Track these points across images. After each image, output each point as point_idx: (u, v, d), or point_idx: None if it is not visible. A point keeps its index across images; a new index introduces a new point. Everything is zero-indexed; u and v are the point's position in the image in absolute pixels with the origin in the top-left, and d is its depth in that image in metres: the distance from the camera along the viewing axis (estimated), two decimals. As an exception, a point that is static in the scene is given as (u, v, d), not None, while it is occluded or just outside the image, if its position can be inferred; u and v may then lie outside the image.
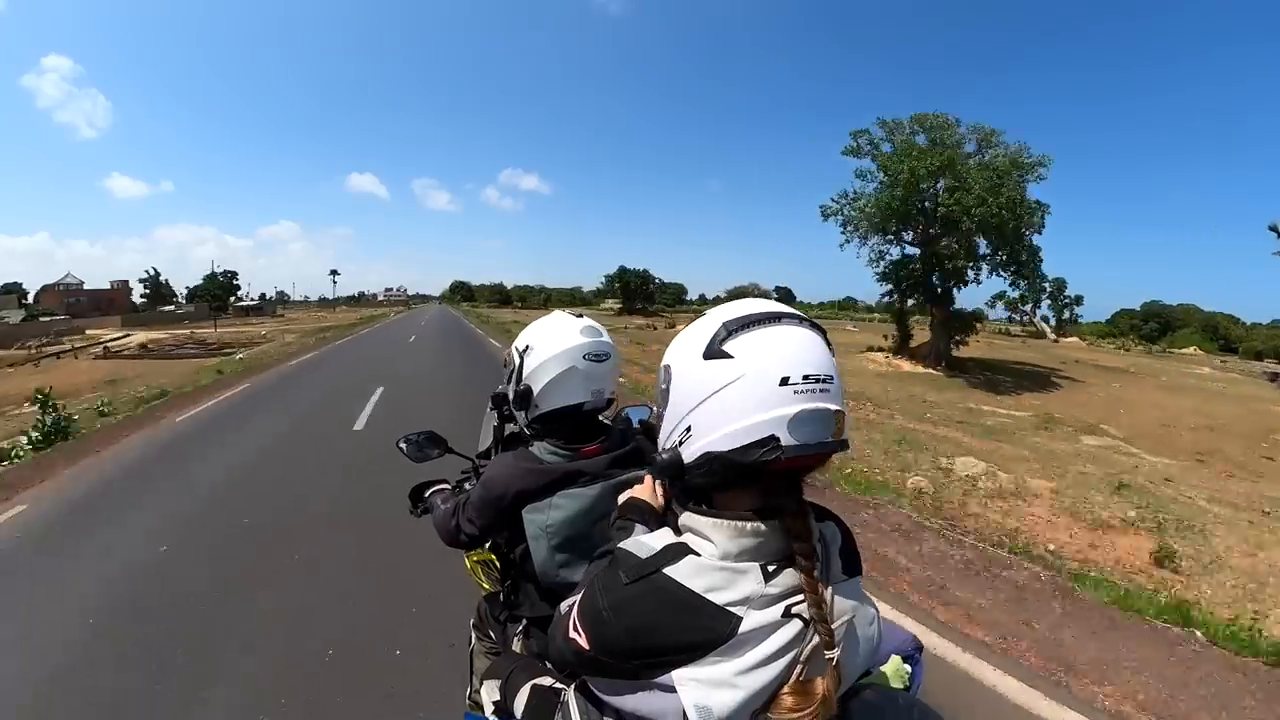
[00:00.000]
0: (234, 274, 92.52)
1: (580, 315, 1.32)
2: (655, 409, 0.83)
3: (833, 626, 0.68)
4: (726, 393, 0.69)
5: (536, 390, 1.26)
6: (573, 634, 0.75)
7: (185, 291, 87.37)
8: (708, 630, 0.66)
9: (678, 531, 0.77)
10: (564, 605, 0.83)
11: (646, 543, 0.75)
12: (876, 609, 0.79)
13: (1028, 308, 59.24)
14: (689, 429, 0.73)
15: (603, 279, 76.35)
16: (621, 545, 0.78)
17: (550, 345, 1.25)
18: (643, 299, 71.48)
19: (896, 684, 1.07)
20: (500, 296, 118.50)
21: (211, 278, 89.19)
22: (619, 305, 71.62)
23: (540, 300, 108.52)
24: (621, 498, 1.00)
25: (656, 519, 0.92)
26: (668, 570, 0.70)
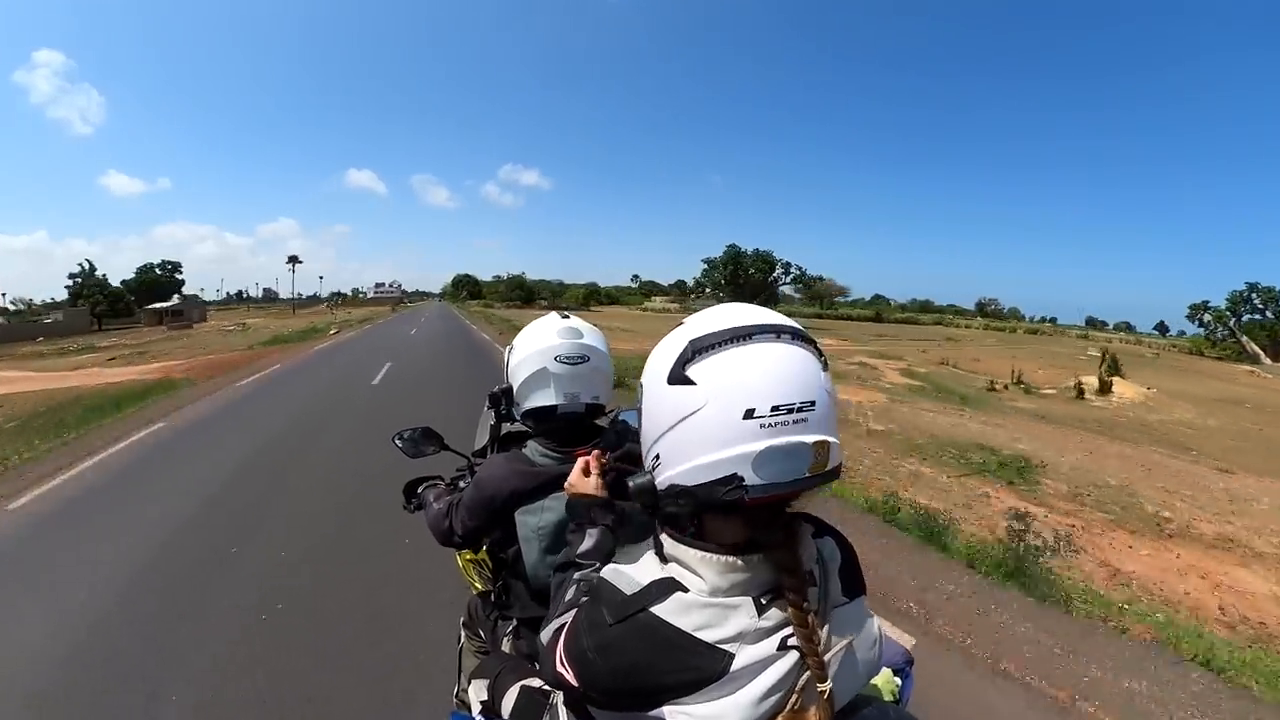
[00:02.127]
0: (176, 266, 78.73)
1: (568, 315, 1.36)
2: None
3: (828, 656, 0.68)
4: (689, 424, 0.67)
5: (515, 388, 1.33)
6: (560, 668, 0.75)
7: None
8: (698, 670, 0.66)
9: (663, 558, 0.76)
10: (546, 634, 0.84)
11: (631, 575, 0.74)
12: (880, 631, 0.79)
13: (1232, 322, 48.02)
14: (658, 457, 0.72)
15: (701, 265, 58.71)
16: (604, 576, 0.77)
17: (527, 345, 1.32)
18: (766, 295, 53.44)
19: (886, 697, 1.11)
20: (521, 293, 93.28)
21: (146, 270, 76.36)
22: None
23: (577, 298, 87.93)
24: (571, 489, 1.02)
25: (603, 509, 0.96)
26: (654, 609, 0.69)
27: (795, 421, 0.65)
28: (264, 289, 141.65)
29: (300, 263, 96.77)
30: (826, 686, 0.67)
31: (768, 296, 54.76)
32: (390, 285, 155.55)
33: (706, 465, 0.66)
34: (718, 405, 0.66)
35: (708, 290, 60.06)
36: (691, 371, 0.68)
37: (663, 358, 0.72)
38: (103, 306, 56.90)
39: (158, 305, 61.44)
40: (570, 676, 0.73)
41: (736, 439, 0.65)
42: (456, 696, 1.60)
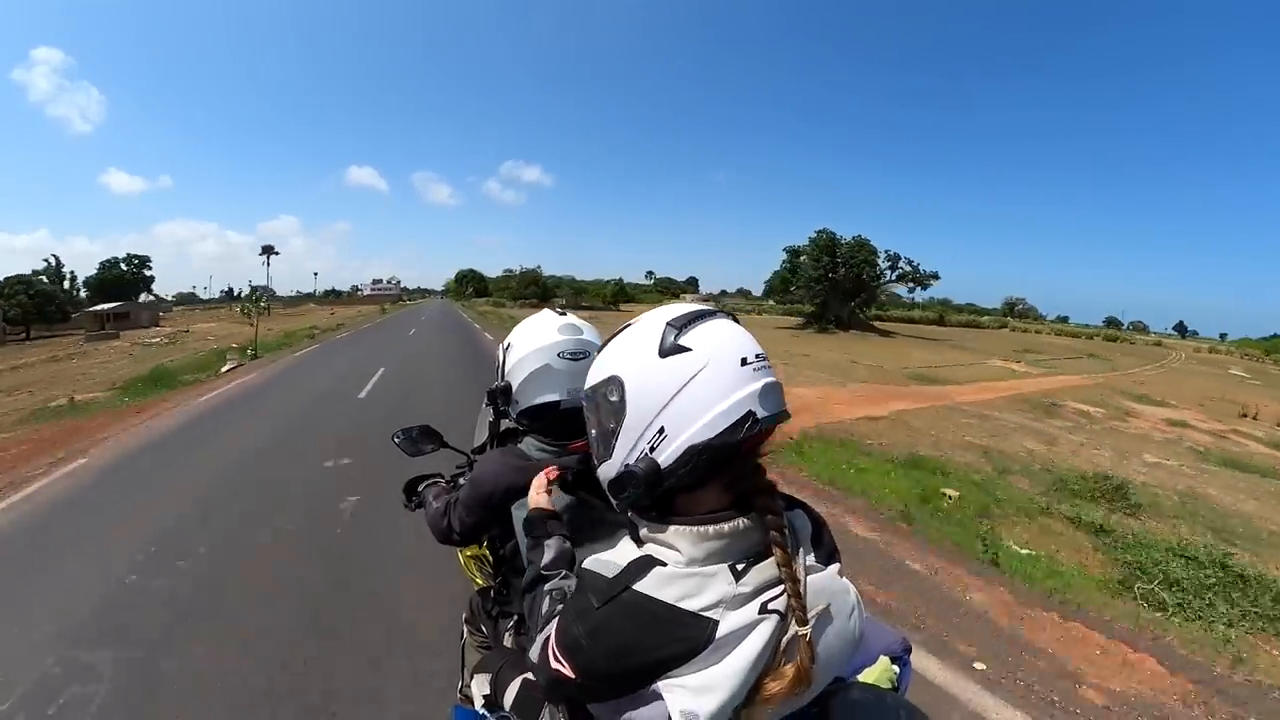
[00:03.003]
0: (144, 260, 70.45)
1: (564, 313, 1.41)
2: (593, 431, 0.85)
3: (810, 613, 0.73)
4: (696, 382, 0.75)
5: (515, 386, 1.36)
6: (555, 664, 0.77)
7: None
8: (686, 640, 0.70)
9: (639, 542, 0.81)
10: (534, 651, 0.84)
11: (610, 560, 0.79)
12: (859, 600, 0.84)
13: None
14: (661, 430, 0.76)
15: (783, 255, 45.60)
16: (585, 566, 0.81)
17: (527, 342, 1.36)
18: (866, 297, 42.08)
19: (884, 685, 1.12)
20: (536, 290, 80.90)
21: (110, 266, 67.19)
22: (808, 311, 42.21)
23: (604, 296, 78.22)
24: (530, 507, 1.07)
25: (557, 520, 1.02)
26: (637, 586, 0.73)
27: (768, 367, 0.80)
28: (256, 287, 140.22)
29: (276, 253, 76.37)
30: (807, 630, 0.72)
31: (867, 298, 42.01)
32: (388, 282, 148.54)
33: (724, 411, 0.75)
34: (718, 361, 0.76)
35: (794, 289, 44.97)
36: (684, 341, 0.77)
37: (638, 344, 0.80)
38: (16, 310, 45.36)
39: (100, 308, 51.18)
40: (567, 669, 0.76)
41: (742, 382, 0.76)
42: (460, 691, 1.63)
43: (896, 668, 1.19)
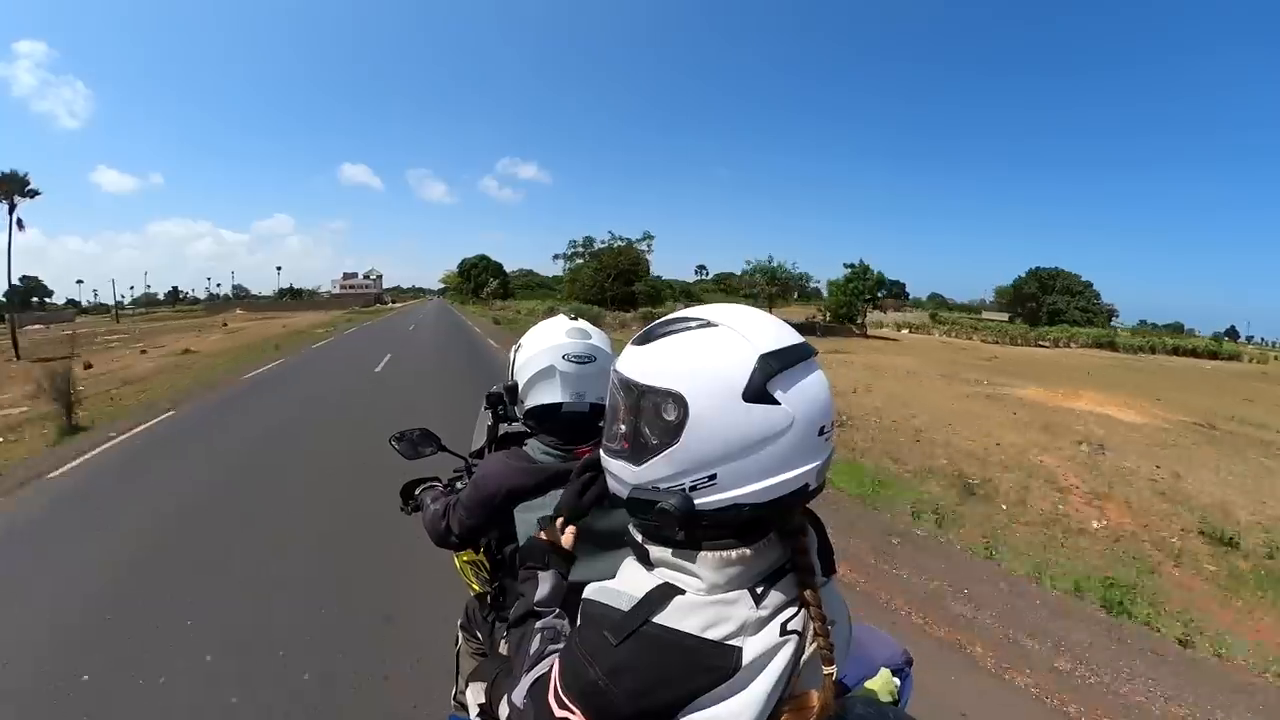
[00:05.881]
0: None
1: (575, 317, 1.46)
2: (622, 425, 0.76)
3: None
4: (775, 445, 0.68)
5: (521, 386, 1.41)
6: (561, 711, 0.72)
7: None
8: (713, 670, 0.68)
9: (648, 564, 0.76)
10: (519, 694, 0.80)
11: (621, 590, 0.74)
12: (848, 609, 0.86)
13: None
14: (712, 477, 0.69)
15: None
16: (590, 598, 0.76)
17: (535, 344, 1.41)
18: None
19: (885, 698, 1.16)
20: (646, 289, 51.11)
21: None
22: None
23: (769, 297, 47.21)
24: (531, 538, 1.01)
25: (563, 557, 0.95)
26: (658, 619, 0.69)
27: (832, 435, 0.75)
28: (235, 286, 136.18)
29: (26, 195, 38.41)
30: (834, 670, 0.71)
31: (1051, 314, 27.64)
32: (365, 277, 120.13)
33: (787, 480, 0.70)
34: (802, 426, 0.69)
35: None
36: (776, 391, 0.68)
37: (720, 369, 0.69)
38: None
39: None
40: (578, 716, 0.71)
41: (813, 453, 0.71)
42: (455, 699, 1.65)
43: (898, 680, 1.22)
